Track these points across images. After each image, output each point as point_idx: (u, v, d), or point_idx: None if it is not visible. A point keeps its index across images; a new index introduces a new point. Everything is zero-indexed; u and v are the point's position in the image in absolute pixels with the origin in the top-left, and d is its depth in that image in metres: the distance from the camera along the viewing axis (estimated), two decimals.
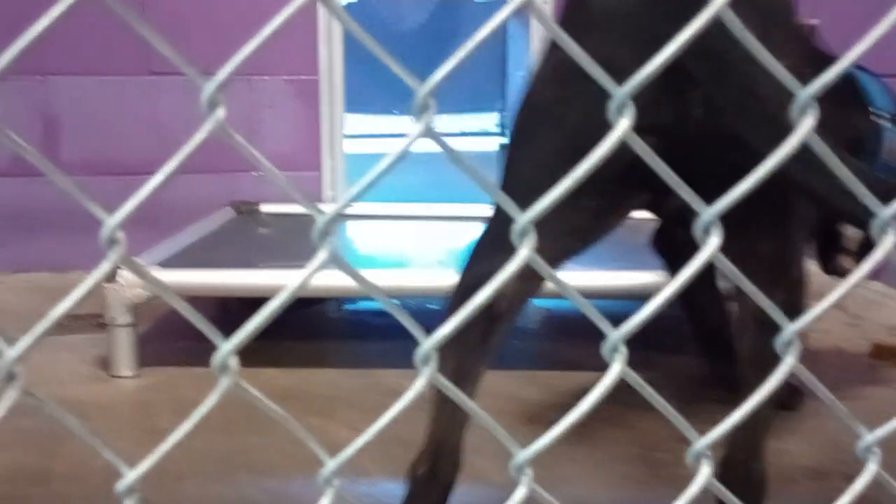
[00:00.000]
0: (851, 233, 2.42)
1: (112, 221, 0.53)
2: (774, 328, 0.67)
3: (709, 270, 2.30)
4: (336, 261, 0.56)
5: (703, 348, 2.47)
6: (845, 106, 2.06)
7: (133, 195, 0.55)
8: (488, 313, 1.49)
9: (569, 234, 1.49)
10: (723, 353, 2.07)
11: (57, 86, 3.59)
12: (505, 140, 6.36)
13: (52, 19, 0.50)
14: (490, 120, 6.97)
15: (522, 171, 1.51)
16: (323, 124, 3.80)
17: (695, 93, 1.27)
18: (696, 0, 0.60)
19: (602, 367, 0.64)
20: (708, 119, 1.30)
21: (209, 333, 0.57)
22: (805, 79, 0.61)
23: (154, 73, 3.59)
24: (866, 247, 2.53)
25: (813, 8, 1.77)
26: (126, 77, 3.62)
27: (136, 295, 2.52)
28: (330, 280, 2.32)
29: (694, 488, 0.65)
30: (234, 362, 0.57)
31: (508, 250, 0.58)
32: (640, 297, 2.42)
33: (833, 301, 0.68)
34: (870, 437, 0.69)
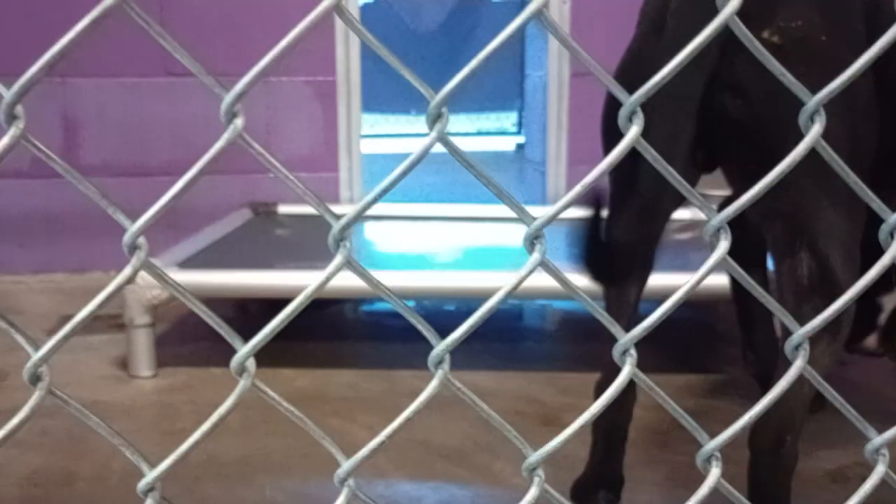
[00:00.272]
0: (887, 309, 2.41)
1: (134, 228, 0.54)
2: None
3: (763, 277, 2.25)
4: (351, 265, 0.57)
5: (750, 353, 2.45)
6: None
7: (153, 199, 0.56)
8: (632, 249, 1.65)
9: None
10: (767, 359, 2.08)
11: (76, 88, 3.62)
12: (522, 139, 6.37)
13: (77, 33, 0.51)
14: (508, 119, 6.98)
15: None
16: (340, 125, 3.82)
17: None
18: None
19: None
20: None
21: (227, 335, 0.59)
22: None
23: (172, 75, 3.61)
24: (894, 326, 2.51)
25: None
26: (145, 79, 3.65)
27: (155, 296, 2.54)
28: (347, 281, 2.34)
29: (704, 489, 0.66)
30: (252, 365, 0.59)
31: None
32: (654, 297, 2.42)
33: (845, 302, 0.68)
34: (878, 438, 0.70)
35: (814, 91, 0.61)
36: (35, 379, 0.56)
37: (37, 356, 0.56)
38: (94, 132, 3.67)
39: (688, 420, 0.66)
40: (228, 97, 0.53)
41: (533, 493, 0.62)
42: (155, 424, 2.30)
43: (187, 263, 2.72)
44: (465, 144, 5.76)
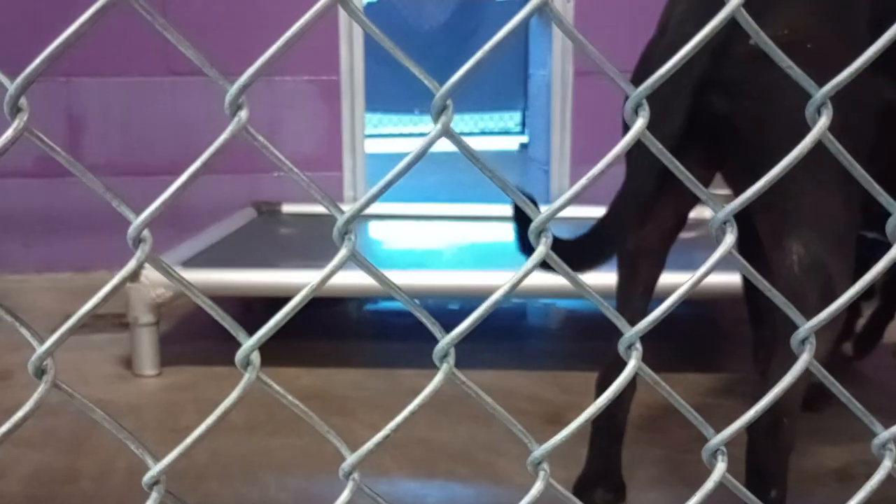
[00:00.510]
0: (866, 314, 2.42)
1: (138, 221, 0.54)
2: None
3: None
4: (355, 258, 0.57)
5: (761, 351, 2.45)
6: None
7: (157, 195, 0.56)
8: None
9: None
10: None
11: (81, 87, 3.62)
12: (526, 139, 6.38)
13: (81, 25, 0.51)
14: (511, 119, 6.98)
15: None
16: (344, 124, 3.82)
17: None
18: None
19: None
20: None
21: (232, 329, 0.59)
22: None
23: (176, 74, 3.61)
24: (872, 333, 2.52)
25: None
26: (149, 78, 3.65)
27: (159, 294, 2.55)
28: (351, 280, 2.34)
29: (709, 484, 0.66)
30: (256, 358, 0.59)
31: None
32: (659, 295, 2.41)
33: (848, 299, 0.68)
34: (885, 433, 0.70)
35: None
36: (40, 372, 0.56)
37: (41, 349, 0.56)
38: (99, 131, 3.67)
39: (693, 415, 0.66)
40: (233, 89, 0.53)
41: (538, 486, 0.62)
42: (159, 423, 2.30)
43: (191, 262, 2.72)
44: (469, 143, 5.74)
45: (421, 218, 3.66)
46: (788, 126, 1.53)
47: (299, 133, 3.79)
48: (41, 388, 0.56)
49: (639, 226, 1.74)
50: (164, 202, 0.54)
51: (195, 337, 2.89)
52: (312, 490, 1.93)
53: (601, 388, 1.83)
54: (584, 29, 0.58)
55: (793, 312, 0.65)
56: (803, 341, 0.66)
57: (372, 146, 4.12)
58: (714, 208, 0.62)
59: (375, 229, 3.54)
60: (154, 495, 0.59)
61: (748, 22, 0.60)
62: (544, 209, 0.61)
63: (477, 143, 6.37)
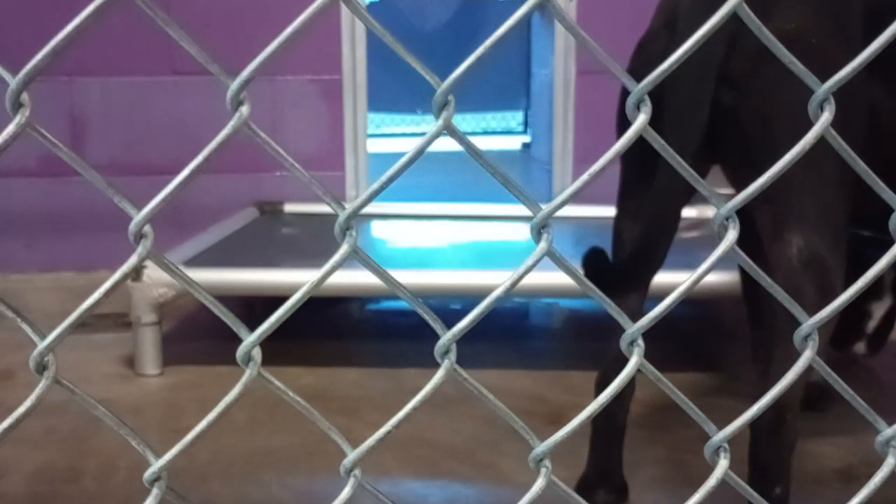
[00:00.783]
0: (876, 314, 2.41)
1: (140, 216, 0.54)
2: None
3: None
4: (357, 255, 0.57)
5: (760, 351, 2.45)
6: None
7: (159, 191, 0.56)
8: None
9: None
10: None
11: (83, 87, 3.62)
12: (528, 139, 6.37)
13: (83, 19, 0.51)
14: (514, 119, 6.98)
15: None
16: (346, 124, 3.81)
17: None
18: None
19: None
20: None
21: (233, 325, 0.59)
22: None
23: (178, 74, 3.61)
24: (884, 333, 2.52)
25: None
26: (151, 78, 3.64)
27: (162, 294, 2.55)
28: (353, 279, 2.34)
29: (712, 481, 0.66)
30: (257, 354, 0.59)
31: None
32: (659, 295, 2.41)
33: (851, 295, 0.68)
34: (889, 430, 0.70)
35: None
36: (41, 368, 0.56)
37: (42, 345, 0.55)
38: (101, 131, 3.67)
39: (696, 412, 0.66)
40: (234, 84, 0.53)
41: (540, 483, 0.62)
42: (161, 422, 2.30)
43: (193, 261, 2.72)
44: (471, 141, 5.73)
45: (423, 217, 3.65)
46: (792, 121, 1.53)
47: (301, 133, 3.79)
48: (42, 384, 0.56)
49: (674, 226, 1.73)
50: (165, 198, 0.54)
51: (197, 337, 2.89)
52: (314, 489, 1.93)
53: (601, 387, 1.83)
54: (586, 27, 0.58)
55: (795, 309, 0.65)
56: (806, 338, 0.66)
57: (374, 146, 4.12)
58: (716, 204, 0.62)
59: (377, 229, 3.54)
60: (155, 492, 0.59)
61: (750, 17, 0.60)
62: (545, 206, 0.61)
63: (479, 143, 6.34)
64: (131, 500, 1.84)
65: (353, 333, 3.14)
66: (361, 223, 3.43)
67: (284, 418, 2.21)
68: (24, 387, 2.40)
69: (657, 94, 1.76)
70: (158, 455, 0.61)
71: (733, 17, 1.44)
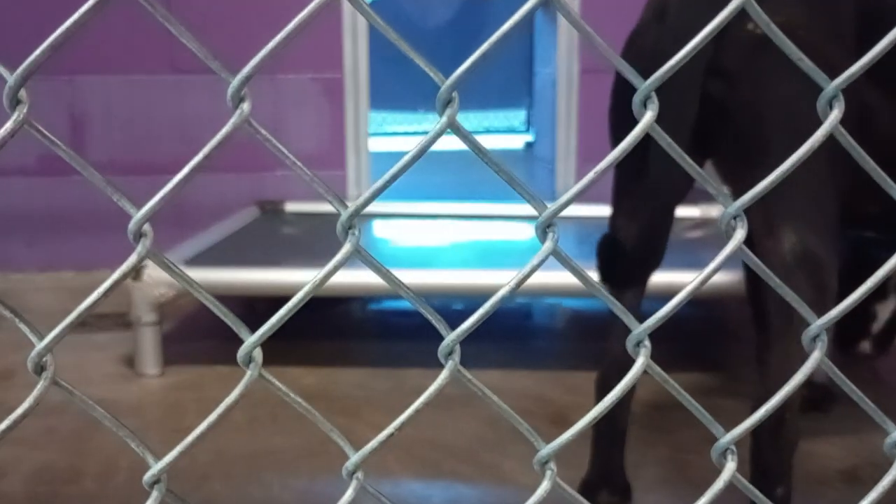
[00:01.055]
0: (880, 318, 2.40)
1: (139, 215, 0.53)
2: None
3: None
4: (359, 254, 0.56)
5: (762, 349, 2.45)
6: None
7: (160, 190, 0.55)
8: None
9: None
10: None
11: (83, 85, 3.61)
12: (531, 137, 6.36)
13: (82, 15, 0.50)
14: (516, 117, 6.96)
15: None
16: (348, 122, 3.81)
17: None
18: None
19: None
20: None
21: (234, 325, 0.58)
22: None
23: (179, 72, 3.60)
24: (890, 333, 2.50)
25: None
26: (152, 76, 3.64)
27: (162, 294, 2.54)
28: (355, 279, 2.33)
29: (719, 483, 0.65)
30: (258, 355, 0.58)
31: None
32: (665, 295, 2.40)
33: (861, 295, 0.67)
34: None
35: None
36: (39, 368, 0.56)
37: (41, 345, 0.55)
38: (102, 130, 3.67)
39: (703, 414, 0.65)
40: (235, 81, 0.53)
41: (545, 486, 0.61)
42: (161, 422, 2.30)
43: (195, 261, 2.71)
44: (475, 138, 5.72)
45: (426, 217, 3.64)
46: (783, 114, 1.53)
47: (303, 131, 3.78)
48: (40, 385, 0.55)
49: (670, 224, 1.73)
50: (164, 196, 0.54)
51: (198, 336, 2.88)
52: (316, 490, 1.93)
53: (601, 388, 1.83)
54: (590, 22, 0.57)
55: (804, 309, 0.64)
56: (815, 338, 0.65)
57: (376, 144, 4.11)
58: (724, 203, 0.61)
59: (380, 228, 3.54)
60: (154, 494, 0.58)
61: (758, 13, 0.59)
62: (550, 205, 0.60)
63: (482, 142, 6.34)
64: (132, 500, 1.83)
65: (354, 333, 3.14)
66: (363, 222, 3.42)
67: (286, 419, 2.20)
68: (24, 387, 2.39)
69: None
70: (158, 457, 0.60)
71: (721, 10, 1.43)
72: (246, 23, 3.58)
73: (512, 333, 3.03)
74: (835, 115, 0.61)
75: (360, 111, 3.80)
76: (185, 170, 0.54)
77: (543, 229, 0.58)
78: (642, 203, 1.62)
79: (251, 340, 0.57)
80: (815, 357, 0.66)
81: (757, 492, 0.68)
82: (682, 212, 3.33)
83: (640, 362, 0.61)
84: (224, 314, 0.57)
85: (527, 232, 3.23)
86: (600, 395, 1.83)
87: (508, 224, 3.50)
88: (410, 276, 2.55)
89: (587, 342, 2.95)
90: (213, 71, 0.54)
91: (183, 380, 2.56)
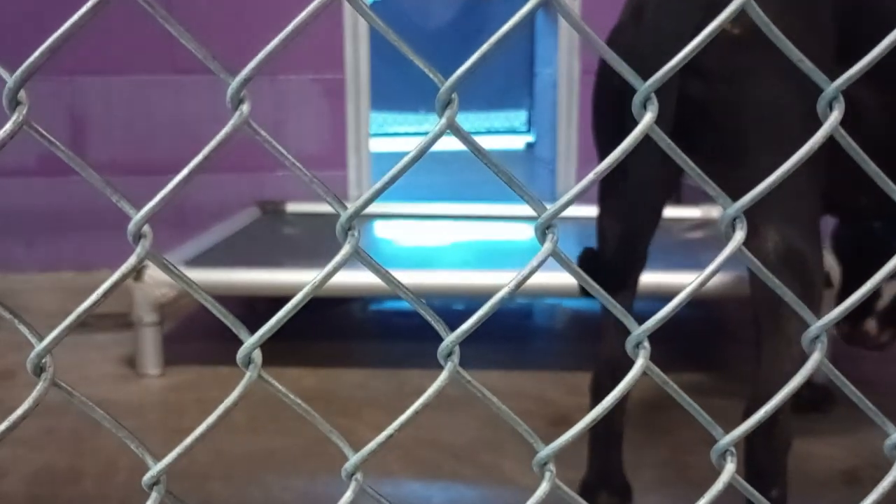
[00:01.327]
0: (885, 296, 2.39)
1: (139, 216, 0.53)
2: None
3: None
4: (359, 255, 0.56)
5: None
6: None
7: (160, 191, 0.55)
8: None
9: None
10: None
11: (84, 85, 3.62)
12: (532, 138, 6.36)
13: (81, 16, 0.50)
14: (517, 118, 6.96)
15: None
16: (349, 123, 3.81)
17: None
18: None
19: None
20: None
21: (234, 327, 0.58)
22: None
23: (179, 72, 3.60)
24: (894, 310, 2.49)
25: None
26: (152, 76, 3.64)
27: (163, 294, 2.54)
28: (355, 279, 2.33)
29: (719, 485, 0.65)
30: (258, 357, 0.58)
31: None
32: (665, 296, 2.40)
33: (860, 297, 0.67)
34: None
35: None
36: (39, 370, 0.56)
37: (40, 347, 0.55)
38: (102, 130, 3.67)
39: (702, 415, 0.65)
40: (235, 82, 0.53)
41: (544, 487, 0.61)
42: (162, 422, 2.30)
43: (195, 261, 2.72)
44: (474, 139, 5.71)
45: (426, 217, 3.65)
46: (763, 111, 1.53)
47: (304, 132, 3.78)
48: (40, 386, 0.55)
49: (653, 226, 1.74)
50: (164, 197, 0.54)
51: (199, 337, 2.88)
52: (315, 491, 1.93)
53: (595, 390, 1.83)
54: (590, 23, 0.57)
55: (804, 311, 0.64)
56: (814, 339, 0.65)
57: (377, 145, 4.11)
58: (724, 204, 0.61)
59: (380, 228, 3.54)
60: (154, 495, 0.58)
61: (759, 15, 0.59)
62: (550, 207, 0.60)
63: (482, 142, 6.33)
64: (131, 501, 1.83)
65: (355, 334, 3.14)
66: (364, 223, 3.43)
67: (285, 419, 2.20)
68: (25, 387, 2.39)
69: (621, 88, 1.75)
70: (158, 458, 0.60)
71: (701, 8, 1.44)
72: (246, 23, 3.58)
73: (512, 334, 3.03)
74: (835, 116, 0.61)
75: (361, 112, 3.81)
76: (185, 171, 0.54)
77: (543, 231, 0.58)
78: (625, 204, 1.62)
79: (250, 342, 0.57)
80: (815, 358, 0.65)
81: (756, 493, 0.68)
82: (683, 212, 3.35)
83: (640, 364, 0.61)
84: (224, 315, 0.57)
85: (527, 232, 3.23)
86: (595, 397, 1.84)
87: (509, 224, 3.50)
88: (411, 277, 2.56)
89: (587, 343, 2.95)
90: (214, 71, 0.54)
91: (183, 380, 2.56)
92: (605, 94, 1.74)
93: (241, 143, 0.57)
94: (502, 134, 6.91)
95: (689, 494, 0.69)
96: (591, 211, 1.79)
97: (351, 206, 0.57)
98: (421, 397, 0.62)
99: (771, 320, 1.57)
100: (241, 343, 0.59)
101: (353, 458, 0.61)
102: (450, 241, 3.37)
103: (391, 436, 0.61)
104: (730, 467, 0.65)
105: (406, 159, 0.55)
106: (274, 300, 1.92)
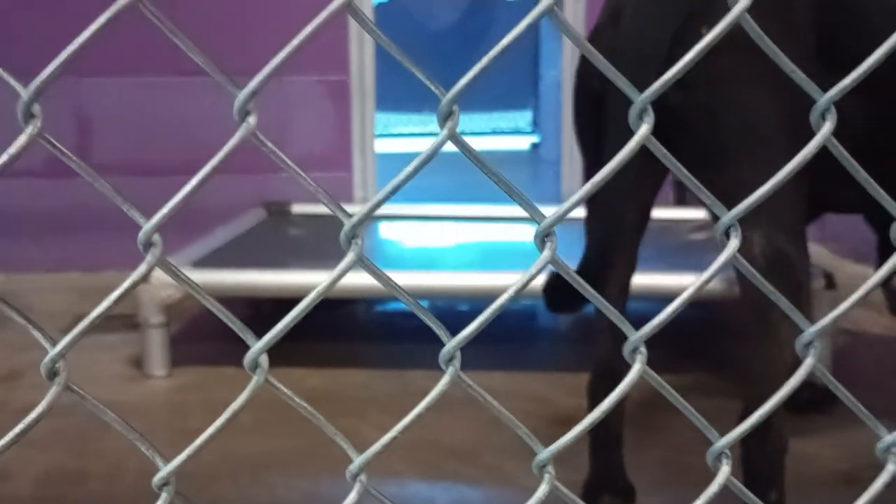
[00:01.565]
0: None
1: (149, 225, 0.55)
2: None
3: None
4: (362, 263, 0.57)
5: None
6: None
7: (166, 199, 0.56)
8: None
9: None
10: None
11: (90, 87, 3.63)
12: (537, 139, 6.37)
13: (93, 32, 0.52)
14: (523, 119, 6.97)
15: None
16: (354, 124, 3.82)
17: None
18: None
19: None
20: None
21: (241, 332, 0.59)
22: None
23: (185, 74, 3.61)
24: None
25: None
26: (158, 78, 3.65)
27: (169, 295, 2.56)
28: (360, 281, 2.34)
29: (714, 487, 0.66)
30: (265, 361, 0.59)
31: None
32: (666, 298, 2.41)
33: (858, 297, 0.68)
34: (890, 437, 0.70)
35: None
36: (52, 374, 0.57)
37: (54, 351, 0.56)
38: (108, 131, 3.68)
39: (698, 418, 0.66)
40: (241, 95, 0.54)
41: (543, 489, 0.63)
42: (168, 423, 2.31)
43: (201, 263, 2.73)
44: (480, 143, 5.74)
45: (430, 219, 3.66)
46: (742, 116, 1.54)
47: (309, 133, 3.79)
48: (53, 390, 0.56)
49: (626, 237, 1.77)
50: (174, 207, 0.55)
51: (205, 338, 2.89)
52: (320, 491, 1.94)
53: (592, 393, 1.84)
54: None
55: (798, 317, 0.66)
56: (808, 345, 0.67)
57: (382, 146, 4.12)
58: (719, 213, 0.63)
59: (385, 230, 3.55)
60: (164, 496, 0.59)
61: (752, 26, 0.60)
62: (550, 211, 0.62)
63: (488, 143, 6.36)
64: (139, 502, 1.85)
65: (359, 335, 3.15)
66: (368, 225, 3.43)
67: (290, 421, 2.20)
68: (31, 388, 2.41)
69: (601, 92, 1.74)
70: (167, 459, 0.61)
71: (680, 14, 1.45)
72: (252, 22, 3.60)
73: (514, 336, 3.04)
74: (827, 127, 0.62)
75: (365, 113, 3.82)
76: (193, 182, 0.55)
77: (542, 238, 0.60)
78: (604, 208, 1.64)
79: (257, 347, 0.58)
80: (809, 363, 0.67)
81: (752, 495, 0.70)
82: (686, 214, 3.36)
83: (637, 369, 0.63)
84: (231, 321, 0.59)
85: (530, 233, 3.24)
86: (591, 400, 1.84)
87: (512, 226, 3.51)
88: (415, 279, 2.58)
89: (589, 345, 2.96)
90: (221, 83, 0.56)
91: (190, 381, 2.57)
92: (583, 97, 1.75)
93: (246, 144, 0.58)
94: (507, 135, 6.93)
95: (691, 496, 0.70)
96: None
97: (354, 216, 0.58)
98: (424, 400, 0.63)
99: (762, 324, 1.58)
100: (246, 344, 0.60)
101: (358, 460, 0.62)
102: (453, 243, 3.38)
103: (395, 438, 0.62)
104: (725, 469, 0.67)
105: (409, 169, 0.57)
106: (279, 301, 1.93)
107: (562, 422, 2.29)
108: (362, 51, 3.76)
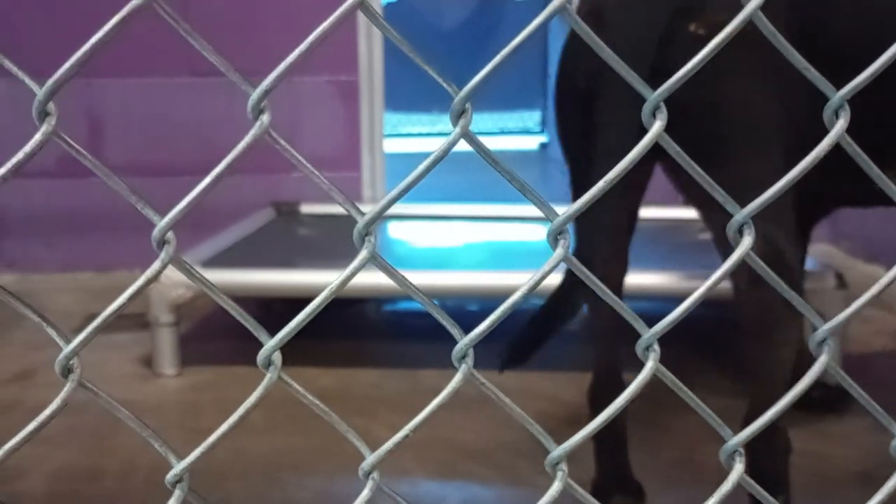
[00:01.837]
0: None
1: (163, 223, 0.55)
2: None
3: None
4: (375, 260, 0.58)
5: None
6: None
7: (178, 198, 0.57)
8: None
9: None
10: None
11: (102, 87, 3.64)
12: (545, 138, 6.37)
13: (106, 33, 0.52)
14: (531, 118, 6.97)
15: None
16: (363, 124, 3.82)
17: None
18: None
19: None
20: None
21: (254, 330, 0.59)
22: None
23: (196, 75, 3.62)
24: None
25: None
26: (169, 79, 3.66)
27: (180, 294, 2.56)
28: (372, 280, 2.35)
29: (727, 485, 0.66)
30: (278, 358, 0.59)
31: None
32: (676, 297, 2.40)
33: (869, 298, 0.68)
34: None
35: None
36: (66, 371, 0.57)
37: (68, 349, 0.56)
38: (119, 132, 3.69)
39: (711, 416, 0.66)
40: (255, 94, 0.54)
41: (556, 487, 0.63)
42: (179, 422, 2.32)
43: (211, 262, 2.73)
44: (489, 143, 5.72)
45: (441, 218, 3.66)
46: (733, 111, 1.53)
47: (318, 133, 3.80)
48: (67, 387, 0.57)
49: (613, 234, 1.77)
50: (187, 205, 0.55)
51: (215, 337, 2.90)
52: (332, 490, 1.94)
53: (593, 396, 1.84)
54: None
55: (811, 314, 0.66)
56: (821, 343, 0.67)
57: (391, 146, 4.12)
58: (732, 211, 0.63)
59: (396, 230, 3.55)
60: (177, 493, 0.60)
61: (765, 24, 0.60)
62: (560, 211, 0.62)
63: (497, 143, 6.37)
64: (152, 499, 1.85)
65: (371, 334, 3.15)
66: (379, 224, 3.44)
67: (303, 419, 2.22)
68: (45, 386, 2.42)
69: (588, 91, 1.74)
70: (180, 457, 0.62)
71: (667, 13, 1.44)
72: (264, 20, 3.60)
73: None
74: (840, 124, 0.62)
75: (375, 113, 3.82)
76: (207, 179, 0.55)
77: (555, 237, 0.60)
78: (594, 210, 1.63)
79: (270, 345, 0.58)
80: (822, 362, 0.67)
81: (765, 493, 0.70)
82: (694, 213, 3.35)
83: (650, 367, 0.63)
84: (244, 318, 0.59)
85: (542, 233, 3.24)
86: (592, 402, 1.84)
87: (523, 225, 3.51)
88: (426, 278, 2.58)
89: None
90: (235, 82, 0.56)
91: (200, 380, 2.58)
92: (568, 96, 1.74)
93: (257, 144, 0.58)
94: (516, 134, 6.93)
95: (702, 495, 0.70)
96: None
97: (367, 214, 0.58)
98: (436, 398, 0.63)
99: (759, 324, 1.57)
100: (257, 343, 0.60)
101: (370, 458, 0.63)
102: (464, 242, 3.38)
103: (407, 436, 0.62)
104: (738, 467, 0.67)
105: (421, 168, 0.57)
106: (290, 301, 1.93)
107: (574, 421, 2.29)
108: (371, 51, 3.76)
